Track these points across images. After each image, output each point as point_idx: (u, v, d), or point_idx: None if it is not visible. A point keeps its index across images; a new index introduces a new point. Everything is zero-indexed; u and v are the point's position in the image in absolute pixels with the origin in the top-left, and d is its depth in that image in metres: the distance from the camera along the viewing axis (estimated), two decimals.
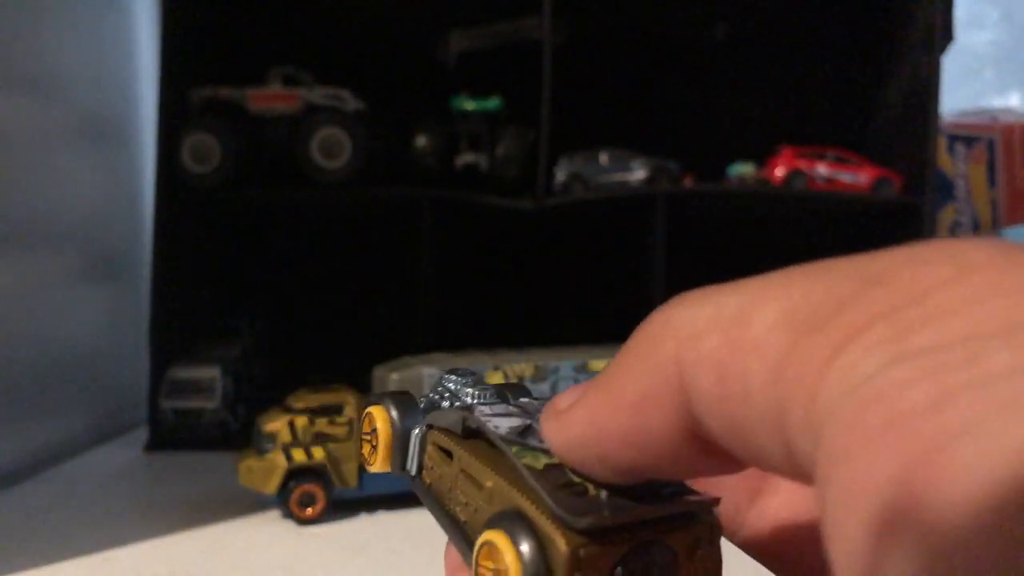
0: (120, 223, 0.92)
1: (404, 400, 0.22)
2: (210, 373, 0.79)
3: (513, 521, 0.16)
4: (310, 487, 0.59)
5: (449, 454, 0.20)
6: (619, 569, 0.16)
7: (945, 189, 1.09)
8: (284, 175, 0.83)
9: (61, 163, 0.80)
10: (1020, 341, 0.10)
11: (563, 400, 0.17)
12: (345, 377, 0.66)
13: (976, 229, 1.11)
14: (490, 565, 0.16)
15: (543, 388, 0.62)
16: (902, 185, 0.84)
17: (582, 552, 0.15)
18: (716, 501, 0.17)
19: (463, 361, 0.63)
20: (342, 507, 0.60)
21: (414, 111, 0.89)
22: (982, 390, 0.10)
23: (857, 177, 0.84)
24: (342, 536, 0.57)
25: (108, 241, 0.90)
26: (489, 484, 0.18)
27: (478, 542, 0.17)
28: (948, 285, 0.11)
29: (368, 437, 0.22)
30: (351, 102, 0.83)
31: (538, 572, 0.15)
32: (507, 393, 0.21)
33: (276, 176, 0.84)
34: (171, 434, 0.79)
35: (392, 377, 0.61)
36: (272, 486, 0.58)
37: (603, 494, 0.16)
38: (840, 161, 0.85)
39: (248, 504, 0.61)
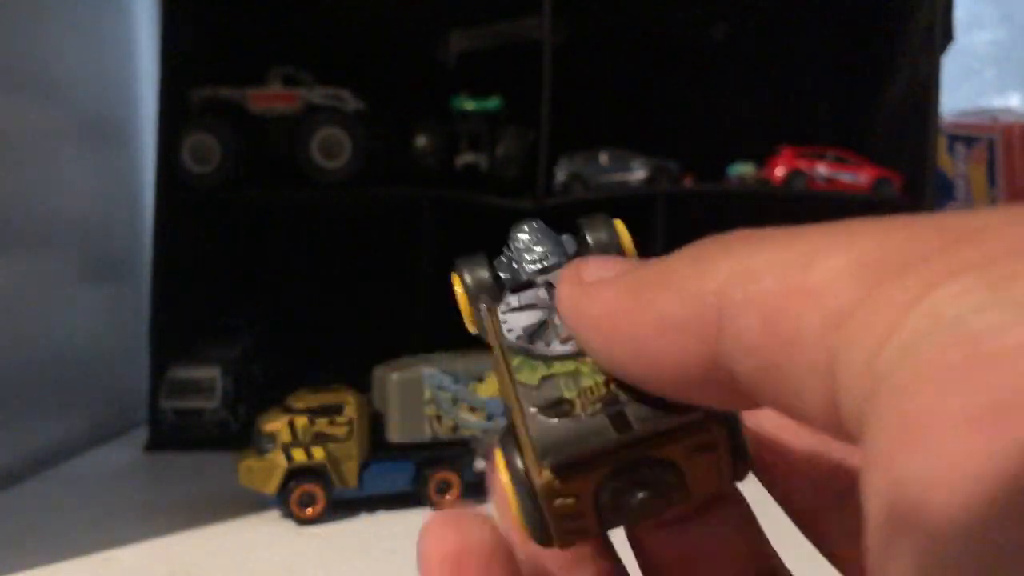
0: (120, 223, 0.92)
1: (477, 268, 0.21)
2: (210, 373, 0.79)
3: (508, 443, 0.17)
4: (310, 487, 0.59)
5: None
6: (603, 493, 0.16)
7: (945, 189, 1.09)
8: (284, 175, 0.83)
9: (61, 163, 0.80)
10: None
11: (591, 271, 0.16)
12: (345, 377, 0.66)
13: None
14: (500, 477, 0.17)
15: None
16: (902, 185, 0.84)
17: (556, 484, 0.15)
18: (715, 415, 0.16)
19: (463, 362, 0.63)
20: (342, 507, 0.60)
21: (414, 111, 0.89)
22: None
23: (857, 177, 0.84)
24: (342, 536, 0.57)
25: (108, 241, 0.90)
26: (503, 385, 0.18)
27: (502, 473, 0.17)
28: None
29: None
30: (351, 102, 0.83)
31: (524, 496, 0.16)
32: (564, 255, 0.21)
33: (276, 176, 0.84)
34: (171, 434, 0.79)
35: (392, 377, 0.61)
36: (272, 486, 0.58)
37: (587, 413, 0.16)
38: (840, 161, 0.85)
39: (248, 504, 0.61)
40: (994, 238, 0.10)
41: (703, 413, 0.16)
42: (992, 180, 1.11)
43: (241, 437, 0.70)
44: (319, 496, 0.59)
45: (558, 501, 0.16)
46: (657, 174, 0.85)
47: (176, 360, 0.80)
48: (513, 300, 0.19)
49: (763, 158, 0.88)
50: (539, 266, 0.20)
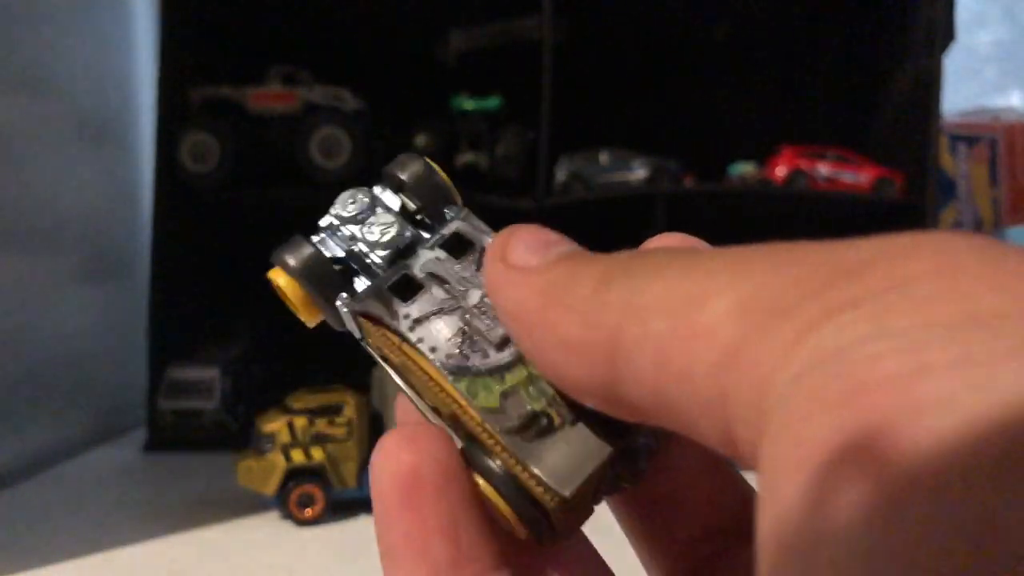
0: (119, 223, 0.92)
1: (300, 252, 0.19)
2: (209, 373, 0.79)
3: (475, 453, 0.16)
4: (309, 488, 0.59)
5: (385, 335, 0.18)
6: (604, 484, 0.16)
7: (947, 189, 1.09)
8: (284, 175, 0.83)
9: (60, 163, 0.80)
10: (1009, 330, 0.09)
11: (516, 252, 0.15)
12: (345, 377, 0.66)
13: (978, 229, 1.11)
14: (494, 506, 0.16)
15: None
16: (903, 185, 0.84)
17: (571, 503, 0.15)
18: (652, 451, 0.16)
19: None
20: (341, 508, 0.60)
21: (414, 111, 0.89)
22: (962, 370, 0.09)
23: (858, 177, 0.84)
24: (341, 537, 0.57)
25: (107, 241, 0.90)
26: (445, 411, 0.17)
27: (477, 477, 0.16)
28: (933, 276, 0.10)
29: (281, 296, 0.20)
30: (351, 101, 0.83)
31: (520, 503, 0.15)
32: (433, 201, 0.19)
33: (276, 176, 0.84)
34: (170, 435, 0.79)
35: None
36: (271, 487, 0.58)
37: (568, 421, 0.16)
38: (841, 160, 0.85)
39: (247, 505, 0.61)
40: (874, 272, 0.11)
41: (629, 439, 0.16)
42: (994, 179, 1.11)
43: (240, 438, 0.70)
44: (318, 497, 0.59)
45: (571, 513, 0.16)
46: (658, 174, 0.85)
47: (175, 360, 0.80)
48: (412, 310, 0.17)
49: (764, 157, 0.88)
50: (387, 252, 0.19)
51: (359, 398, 0.62)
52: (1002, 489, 0.08)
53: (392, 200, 0.20)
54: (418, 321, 0.17)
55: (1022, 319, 0.09)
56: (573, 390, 0.14)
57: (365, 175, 0.82)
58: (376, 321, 0.18)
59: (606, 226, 0.98)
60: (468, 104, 0.87)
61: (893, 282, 0.11)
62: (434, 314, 0.17)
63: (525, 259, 0.15)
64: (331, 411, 0.60)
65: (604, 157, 0.86)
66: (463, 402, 0.16)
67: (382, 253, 0.19)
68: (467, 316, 0.17)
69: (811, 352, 0.10)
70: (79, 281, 0.84)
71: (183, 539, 0.56)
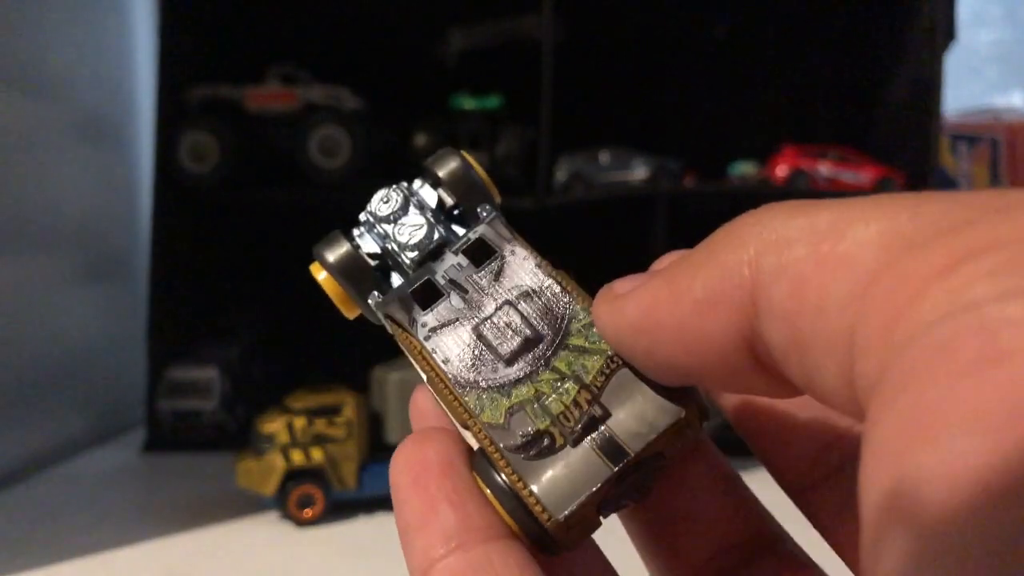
0: (118, 223, 0.92)
1: (338, 248, 0.19)
2: (208, 374, 0.79)
3: (482, 465, 0.16)
4: (308, 488, 0.58)
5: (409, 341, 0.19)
6: (606, 503, 0.16)
7: (948, 188, 1.09)
8: (283, 174, 0.83)
9: (58, 163, 0.80)
10: None
11: (622, 285, 0.16)
12: (344, 377, 0.66)
13: None
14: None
15: None
16: (904, 184, 0.83)
17: (568, 524, 0.15)
18: (683, 416, 0.16)
19: None
20: (341, 508, 0.60)
21: (414, 110, 0.89)
22: None
23: (859, 176, 0.84)
24: (341, 538, 0.57)
25: (106, 241, 0.89)
26: (458, 421, 0.17)
27: (482, 486, 0.16)
28: None
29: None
30: (350, 101, 0.83)
31: (523, 516, 0.16)
32: (470, 195, 0.20)
33: (275, 175, 0.84)
34: (169, 435, 0.79)
35: (392, 377, 0.61)
36: (270, 487, 0.58)
37: (571, 441, 0.16)
38: (842, 160, 0.85)
39: (246, 505, 0.61)
40: (1021, 213, 0.10)
41: (683, 403, 0.16)
42: (995, 179, 1.11)
43: (239, 438, 0.70)
44: (317, 497, 0.59)
45: (571, 531, 0.16)
46: (658, 173, 0.85)
47: (174, 360, 0.80)
48: (429, 319, 0.18)
49: (765, 157, 0.87)
50: (416, 254, 0.19)
51: (358, 398, 0.61)
52: None
53: (429, 195, 0.20)
54: (434, 330, 0.18)
55: None
56: (711, 361, 0.14)
57: (364, 175, 0.82)
58: (399, 325, 0.18)
59: (606, 226, 0.98)
60: (468, 103, 0.87)
61: None
62: (450, 324, 0.18)
63: (632, 285, 0.15)
64: (330, 411, 0.60)
65: (604, 157, 0.86)
66: (470, 415, 0.17)
67: (411, 255, 0.19)
68: (481, 328, 0.18)
69: (949, 295, 0.10)
70: (79, 281, 0.83)
71: (183, 539, 0.56)
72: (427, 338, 0.18)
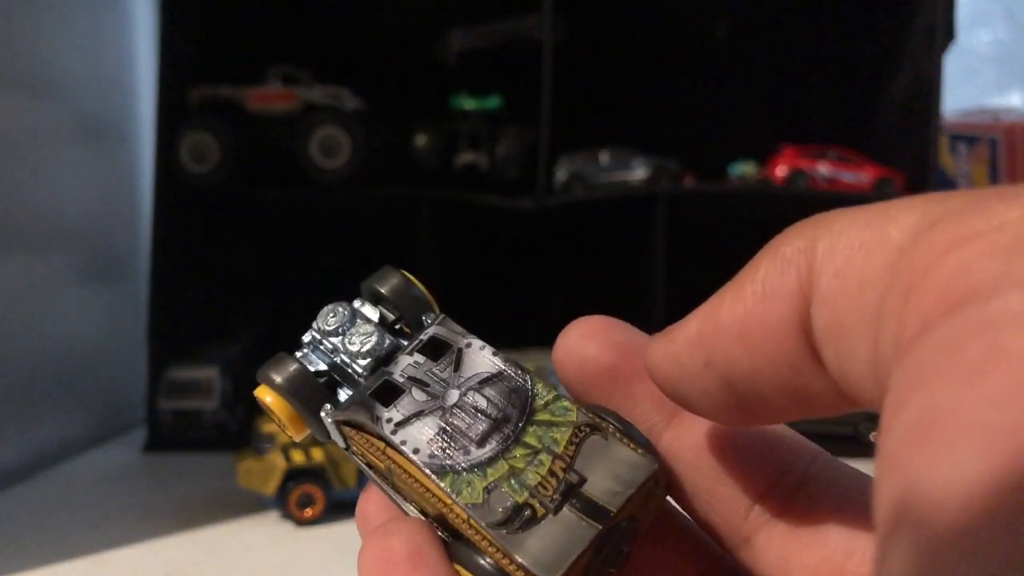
0: (118, 223, 0.92)
1: (286, 370, 0.20)
2: (209, 373, 0.79)
3: (461, 551, 0.16)
4: (309, 488, 0.58)
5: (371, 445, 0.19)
6: (591, 569, 0.16)
7: (947, 189, 1.09)
8: (283, 174, 0.83)
9: (59, 163, 0.80)
10: None
11: (672, 326, 0.16)
12: None
13: None
14: None
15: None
16: (904, 185, 0.83)
17: None
18: (656, 469, 0.17)
19: None
20: (341, 508, 0.60)
21: (414, 110, 0.89)
22: None
23: (859, 176, 0.84)
24: (341, 537, 0.57)
25: (106, 241, 0.89)
26: (432, 512, 0.17)
27: (464, 571, 0.17)
28: None
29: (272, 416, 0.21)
30: (350, 101, 0.83)
31: None
32: (412, 311, 0.20)
33: (275, 175, 0.84)
34: (169, 435, 0.79)
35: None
36: (271, 487, 0.58)
37: (551, 509, 0.16)
38: (842, 160, 0.85)
39: (247, 505, 0.61)
40: None
41: (651, 458, 0.17)
42: (994, 179, 1.11)
43: (240, 438, 0.70)
44: (318, 497, 0.59)
45: None
46: (658, 173, 0.85)
47: (174, 360, 0.80)
48: (394, 414, 0.18)
49: (764, 157, 0.87)
50: (367, 361, 0.19)
51: None
52: None
53: (371, 312, 0.21)
54: (400, 424, 0.18)
55: None
56: (771, 347, 0.14)
57: (364, 175, 0.82)
58: (359, 428, 0.18)
59: (606, 226, 0.98)
60: (468, 103, 0.87)
61: None
62: (416, 416, 0.18)
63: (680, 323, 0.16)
64: None
65: (604, 157, 0.86)
66: (448, 500, 0.17)
67: (363, 362, 0.19)
68: (447, 416, 0.18)
69: (960, 266, 0.10)
70: (79, 281, 0.84)
71: (183, 539, 0.56)
72: (394, 432, 0.18)
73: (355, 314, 0.20)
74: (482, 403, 0.18)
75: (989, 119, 1.13)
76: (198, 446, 0.78)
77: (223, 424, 0.79)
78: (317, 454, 0.59)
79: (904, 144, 0.86)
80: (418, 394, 0.18)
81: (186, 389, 0.78)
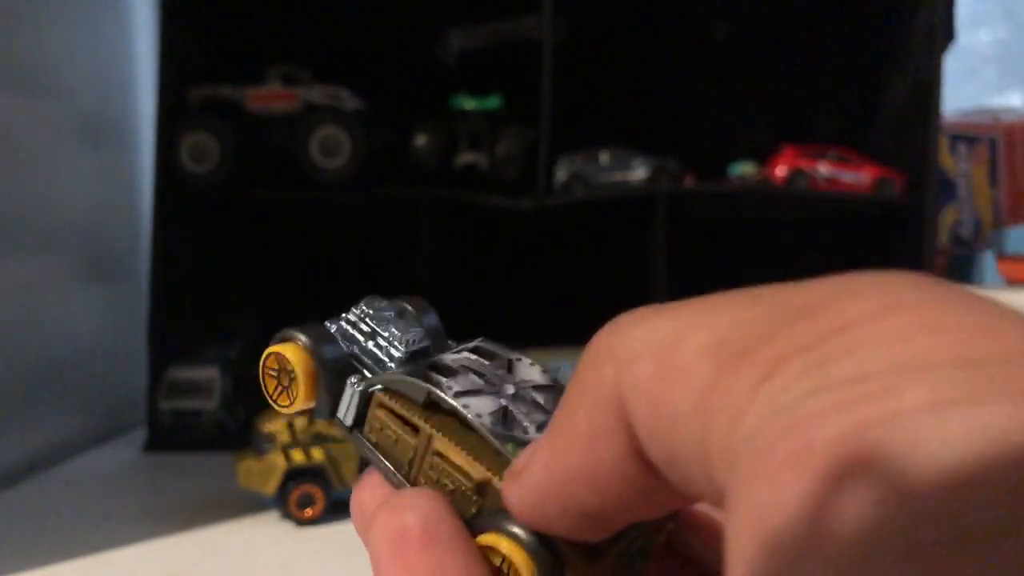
0: (119, 223, 0.92)
1: (318, 332, 0.19)
2: (209, 373, 0.79)
3: (533, 542, 0.16)
4: (309, 488, 0.58)
5: (408, 423, 0.19)
6: (620, 566, 0.16)
7: (947, 189, 1.09)
8: (283, 175, 0.83)
9: (59, 163, 0.80)
10: (938, 377, 0.10)
11: (519, 461, 0.16)
12: None
13: (978, 229, 1.11)
14: (499, 563, 0.16)
15: None
16: (904, 185, 0.83)
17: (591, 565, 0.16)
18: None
19: None
20: (341, 508, 0.60)
21: (414, 110, 0.89)
22: (895, 425, 0.10)
23: (858, 176, 0.84)
24: (341, 537, 0.57)
25: (107, 241, 0.89)
26: (477, 477, 0.17)
27: (488, 541, 0.16)
28: (874, 318, 0.11)
29: (275, 374, 0.20)
30: (350, 101, 0.83)
31: (547, 565, 0.16)
32: (439, 340, 0.20)
33: (275, 176, 0.84)
34: (170, 435, 0.79)
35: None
36: (271, 487, 0.58)
37: None
38: (842, 160, 0.85)
39: (247, 505, 0.61)
40: (823, 312, 0.12)
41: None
42: (994, 179, 1.11)
43: (240, 438, 0.70)
44: (318, 497, 0.59)
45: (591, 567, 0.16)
46: (658, 173, 0.85)
47: (175, 360, 0.80)
48: (454, 384, 0.18)
49: (764, 157, 0.87)
50: (406, 348, 0.19)
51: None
52: None
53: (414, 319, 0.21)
54: (460, 394, 0.18)
55: (953, 367, 0.10)
56: (615, 482, 0.14)
57: (364, 175, 0.82)
58: (400, 396, 0.18)
59: (606, 226, 0.98)
60: (468, 103, 0.87)
61: (837, 326, 0.11)
62: (475, 392, 0.18)
63: (525, 458, 0.16)
64: None
65: (604, 157, 0.86)
66: (499, 468, 0.17)
67: (401, 348, 0.19)
68: (503, 402, 0.18)
69: (765, 403, 0.11)
70: (79, 281, 0.84)
71: (183, 539, 0.56)
72: (455, 397, 0.18)
73: (403, 311, 0.21)
74: (540, 399, 0.18)
75: (989, 119, 1.13)
76: (198, 446, 0.78)
77: (223, 424, 0.79)
78: (317, 454, 0.59)
79: (904, 144, 0.86)
80: (474, 378, 0.18)
81: (186, 389, 0.78)
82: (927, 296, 0.11)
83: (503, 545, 0.16)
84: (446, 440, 0.17)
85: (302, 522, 0.58)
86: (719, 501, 0.12)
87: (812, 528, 0.10)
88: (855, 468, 0.10)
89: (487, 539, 0.16)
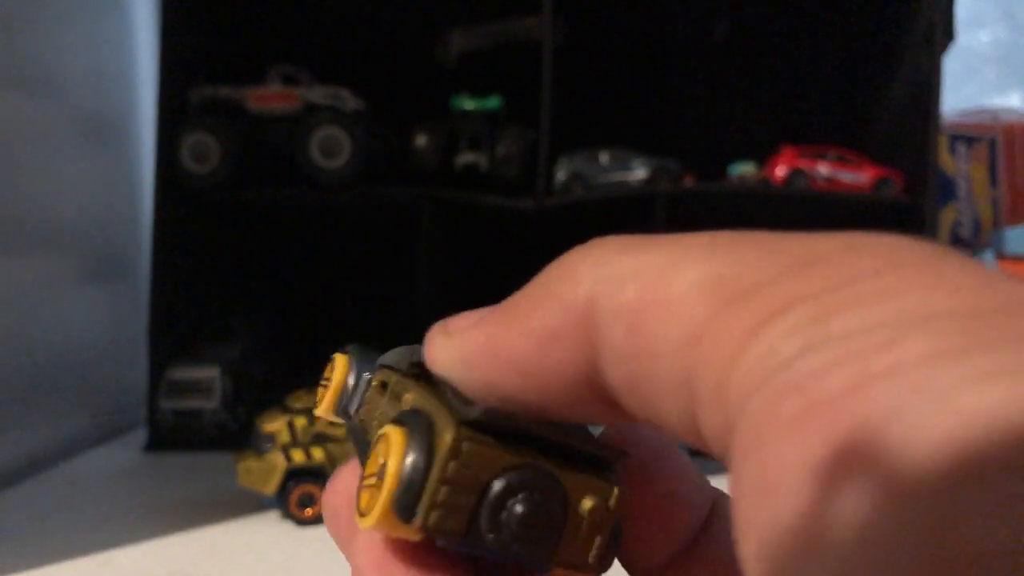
0: (119, 223, 0.92)
1: (368, 350, 0.20)
2: (209, 373, 0.79)
3: (410, 415, 0.16)
4: (309, 488, 0.59)
5: (385, 386, 0.18)
6: (496, 482, 0.15)
7: (946, 189, 1.09)
8: (284, 175, 0.83)
9: (59, 163, 0.80)
10: (938, 327, 0.10)
11: (457, 321, 0.15)
12: None
13: (977, 229, 1.11)
14: (379, 459, 0.15)
15: None
16: (903, 185, 0.83)
17: (465, 445, 0.14)
18: (623, 454, 0.16)
19: None
20: None
21: (414, 111, 0.89)
22: (899, 377, 0.10)
23: (858, 177, 0.84)
24: None
25: (107, 241, 0.90)
26: (408, 396, 0.17)
27: (375, 436, 0.16)
28: (877, 274, 0.11)
29: (325, 383, 0.20)
30: (351, 101, 0.83)
31: (417, 463, 0.15)
32: None
33: (275, 176, 0.84)
34: (170, 434, 0.79)
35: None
36: (271, 487, 0.58)
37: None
38: (841, 160, 0.85)
39: (247, 505, 0.61)
40: (827, 264, 0.12)
41: (616, 471, 0.16)
42: (993, 180, 1.11)
43: (240, 437, 0.70)
44: (319, 497, 0.59)
45: (452, 464, 0.15)
46: (658, 174, 0.85)
47: (175, 360, 0.80)
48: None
49: (764, 157, 0.87)
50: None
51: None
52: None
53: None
54: None
55: (954, 317, 0.10)
56: (553, 393, 0.14)
57: (364, 175, 0.82)
58: (392, 370, 0.18)
59: (606, 226, 0.98)
60: (468, 104, 0.87)
61: (840, 278, 0.11)
62: None
63: (466, 321, 0.15)
64: None
65: (604, 157, 0.86)
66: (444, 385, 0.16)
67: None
68: None
69: (762, 353, 0.11)
70: (79, 281, 0.84)
71: (183, 539, 0.56)
72: None
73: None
74: None
75: (988, 119, 1.13)
76: (198, 446, 0.78)
77: (223, 424, 0.79)
78: (318, 454, 0.59)
79: (904, 144, 0.86)
80: None
81: (186, 389, 0.78)
82: (932, 257, 0.11)
83: (391, 432, 0.15)
84: (404, 381, 0.17)
85: (302, 522, 0.58)
86: (690, 435, 0.12)
87: (822, 494, 0.10)
88: (864, 430, 0.09)
89: (384, 429, 0.16)
